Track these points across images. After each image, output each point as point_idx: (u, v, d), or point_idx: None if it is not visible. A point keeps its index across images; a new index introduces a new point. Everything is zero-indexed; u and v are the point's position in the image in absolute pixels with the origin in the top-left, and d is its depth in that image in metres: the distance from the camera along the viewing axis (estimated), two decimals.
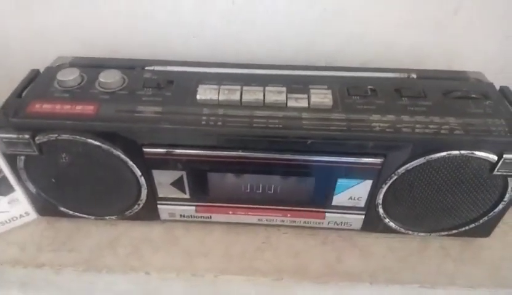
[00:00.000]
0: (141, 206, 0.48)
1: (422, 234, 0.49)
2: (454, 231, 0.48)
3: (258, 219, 0.50)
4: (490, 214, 0.46)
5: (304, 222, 0.50)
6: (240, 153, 0.41)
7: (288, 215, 0.49)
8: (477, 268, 0.48)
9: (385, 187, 0.44)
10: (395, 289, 0.47)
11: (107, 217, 0.50)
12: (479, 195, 0.44)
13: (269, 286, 0.48)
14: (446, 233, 0.49)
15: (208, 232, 0.51)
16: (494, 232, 0.49)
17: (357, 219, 0.48)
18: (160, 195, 0.47)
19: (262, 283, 0.47)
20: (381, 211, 0.47)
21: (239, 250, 0.50)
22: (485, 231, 0.49)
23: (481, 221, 0.47)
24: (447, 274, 0.48)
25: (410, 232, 0.49)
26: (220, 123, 0.40)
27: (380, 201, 0.45)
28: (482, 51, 0.57)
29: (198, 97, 0.42)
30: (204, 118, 0.41)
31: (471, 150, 0.40)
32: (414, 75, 0.47)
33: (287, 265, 0.48)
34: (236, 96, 0.42)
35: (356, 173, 0.43)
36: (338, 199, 0.46)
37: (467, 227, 0.47)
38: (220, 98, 0.42)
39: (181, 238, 0.51)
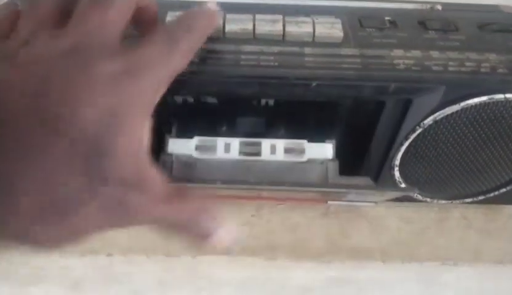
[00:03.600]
0: None
1: (443, 202, 0.41)
2: (481, 197, 0.40)
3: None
4: None
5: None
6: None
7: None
8: (505, 240, 0.41)
9: (406, 144, 0.35)
10: (412, 268, 0.39)
11: None
12: None
13: (260, 268, 0.39)
14: (471, 200, 0.41)
15: None
16: None
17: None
18: None
19: (251, 264, 0.39)
20: (397, 174, 0.38)
21: None
22: None
23: None
24: (471, 248, 0.40)
25: (428, 200, 0.41)
26: (196, 60, 0.31)
27: (397, 162, 0.37)
28: None
29: None
30: None
31: None
32: (439, 7, 0.38)
33: (282, 242, 0.40)
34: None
35: None
36: None
37: (496, 192, 0.40)
38: None
39: None
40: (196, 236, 0.24)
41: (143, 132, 0.22)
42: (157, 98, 0.24)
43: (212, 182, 0.31)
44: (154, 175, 0.23)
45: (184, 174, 0.33)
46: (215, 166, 0.32)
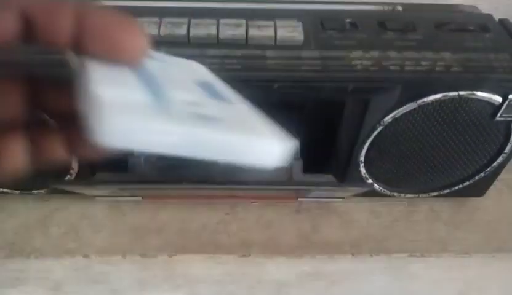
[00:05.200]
0: (73, 176, 0.39)
1: (410, 196, 0.43)
2: (446, 190, 0.42)
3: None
4: (488, 169, 0.39)
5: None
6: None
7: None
8: (471, 232, 0.42)
9: (368, 141, 0.36)
10: (381, 260, 0.40)
11: (35, 192, 0.41)
12: (476, 147, 0.37)
13: (235, 264, 0.40)
14: (436, 193, 0.42)
15: (161, 206, 0.43)
16: (488, 191, 0.43)
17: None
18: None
19: (226, 261, 0.40)
20: (363, 170, 0.39)
21: (198, 224, 0.42)
22: (479, 190, 0.43)
23: (476, 178, 0.40)
24: (438, 240, 0.42)
25: (395, 194, 0.42)
26: None
27: (362, 158, 0.38)
28: None
29: None
30: None
31: (471, 90, 0.33)
32: (400, 8, 0.40)
33: (256, 239, 0.41)
34: (181, 31, 0.33)
35: None
36: None
37: (461, 186, 0.41)
38: (161, 33, 0.33)
39: (128, 213, 0.43)
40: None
41: None
42: None
43: (178, 182, 0.32)
44: None
45: (154, 176, 0.34)
46: (182, 167, 0.33)
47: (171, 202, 0.43)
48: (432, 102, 0.33)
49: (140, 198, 0.41)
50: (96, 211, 0.42)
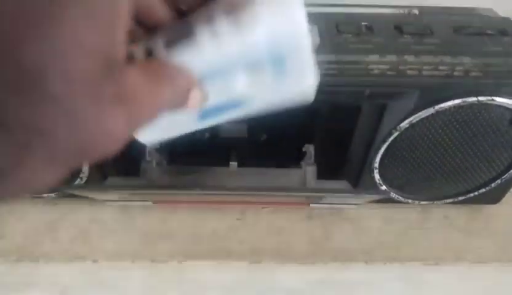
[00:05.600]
0: (84, 180, 0.39)
1: (424, 203, 0.42)
2: (461, 197, 0.41)
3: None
4: (505, 176, 0.38)
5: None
6: None
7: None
8: (486, 239, 0.41)
9: (383, 147, 0.36)
10: (394, 268, 0.39)
11: (45, 195, 0.41)
12: (494, 153, 0.36)
13: (246, 271, 0.40)
14: (451, 200, 0.42)
15: (172, 211, 0.43)
16: (503, 198, 0.43)
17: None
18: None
19: (237, 268, 0.40)
20: (377, 176, 0.39)
21: (209, 229, 0.41)
22: (495, 197, 0.42)
23: (493, 185, 0.39)
24: (453, 248, 0.41)
25: (409, 201, 0.42)
26: None
27: (377, 164, 0.37)
28: None
29: None
30: None
31: (490, 96, 0.32)
32: (416, 11, 0.39)
33: (267, 245, 0.40)
34: None
35: None
36: None
37: (476, 193, 0.40)
38: None
39: (138, 218, 0.42)
40: (176, 106, 0.20)
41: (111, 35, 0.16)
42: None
43: (190, 188, 0.31)
44: (132, 83, 0.17)
45: (165, 181, 0.33)
46: (196, 173, 0.33)
47: (181, 207, 0.43)
48: (450, 107, 0.32)
49: (151, 203, 0.41)
50: (106, 216, 0.42)
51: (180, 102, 0.20)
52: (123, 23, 0.16)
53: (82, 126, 0.15)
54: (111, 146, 0.17)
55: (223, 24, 0.18)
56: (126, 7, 0.16)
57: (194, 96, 0.21)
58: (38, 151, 0.15)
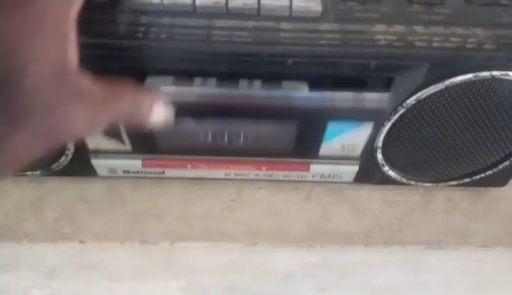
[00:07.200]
0: (69, 157, 0.37)
1: (427, 185, 0.40)
2: (466, 179, 0.39)
3: (225, 174, 0.39)
4: None
5: (284, 176, 0.40)
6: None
7: (263, 168, 0.39)
8: (491, 223, 0.40)
9: (388, 125, 0.34)
10: (396, 252, 0.38)
11: (29, 173, 0.39)
12: (504, 133, 0.34)
13: (240, 253, 0.38)
14: (456, 182, 0.40)
15: (163, 190, 0.41)
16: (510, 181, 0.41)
17: (350, 171, 0.39)
18: (91, 147, 0.36)
19: (231, 250, 0.38)
20: (379, 156, 0.37)
21: (202, 209, 0.40)
22: (501, 179, 0.40)
23: (500, 167, 0.38)
24: (456, 231, 0.39)
25: (412, 183, 0.40)
26: (163, 36, 0.29)
27: (380, 144, 0.35)
28: None
29: (133, 0, 0.30)
30: (141, 29, 0.29)
31: (504, 70, 0.30)
32: None
33: (263, 227, 0.39)
34: None
35: (352, 114, 0.32)
36: (328, 147, 0.36)
37: (483, 175, 0.39)
38: (164, 1, 0.29)
39: (127, 197, 0.40)
40: (136, 121, 0.26)
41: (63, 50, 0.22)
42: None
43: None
44: (89, 87, 0.23)
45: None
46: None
47: (173, 186, 0.41)
48: (461, 83, 0.30)
49: (140, 172, 0.38)
50: (94, 194, 0.40)
51: (141, 114, 0.26)
52: (71, 40, 0.22)
53: (52, 112, 0.22)
54: (75, 131, 0.23)
55: None
56: (73, 29, 0.23)
57: (158, 110, 0.26)
58: (22, 129, 0.21)
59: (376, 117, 0.33)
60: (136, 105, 0.26)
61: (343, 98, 0.31)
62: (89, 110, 0.23)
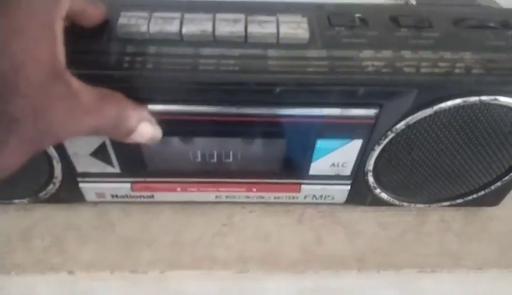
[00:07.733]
0: (57, 185, 0.36)
1: (420, 206, 0.40)
2: (459, 200, 0.39)
3: (216, 197, 0.39)
4: (505, 179, 0.36)
5: (275, 198, 0.39)
6: (181, 107, 0.30)
7: (254, 189, 0.38)
8: (485, 244, 0.39)
9: (378, 149, 0.33)
10: (389, 276, 0.37)
11: (16, 201, 0.38)
12: (495, 155, 0.34)
13: (232, 280, 0.37)
14: (448, 203, 0.39)
15: (153, 216, 0.40)
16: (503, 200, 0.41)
17: (341, 191, 0.38)
18: (79, 170, 0.35)
19: (223, 277, 0.37)
20: (371, 179, 0.36)
21: (193, 236, 0.39)
22: (494, 199, 0.40)
23: (493, 187, 0.37)
24: (450, 253, 0.39)
25: (405, 204, 0.39)
26: (150, 66, 0.28)
27: (371, 167, 0.35)
28: None
29: (119, 29, 0.29)
30: (127, 58, 0.28)
31: (494, 95, 0.30)
32: (413, 2, 0.36)
33: (254, 253, 0.38)
34: (173, 28, 0.29)
35: (341, 130, 0.32)
36: (318, 166, 0.35)
37: (475, 195, 0.38)
38: (150, 30, 0.29)
39: (117, 224, 0.39)
40: (121, 133, 0.27)
41: (52, 51, 0.22)
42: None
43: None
44: (78, 88, 0.24)
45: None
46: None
47: (163, 211, 0.40)
48: (450, 108, 0.30)
49: (130, 197, 0.38)
50: (83, 221, 0.39)
51: (127, 127, 0.26)
52: (59, 41, 0.23)
53: (42, 115, 0.22)
54: (64, 133, 0.24)
55: None
56: (60, 30, 0.23)
57: (144, 129, 0.27)
58: (14, 133, 0.21)
59: (365, 133, 0.32)
60: (122, 116, 0.26)
61: (330, 114, 0.31)
62: (78, 110, 0.23)
